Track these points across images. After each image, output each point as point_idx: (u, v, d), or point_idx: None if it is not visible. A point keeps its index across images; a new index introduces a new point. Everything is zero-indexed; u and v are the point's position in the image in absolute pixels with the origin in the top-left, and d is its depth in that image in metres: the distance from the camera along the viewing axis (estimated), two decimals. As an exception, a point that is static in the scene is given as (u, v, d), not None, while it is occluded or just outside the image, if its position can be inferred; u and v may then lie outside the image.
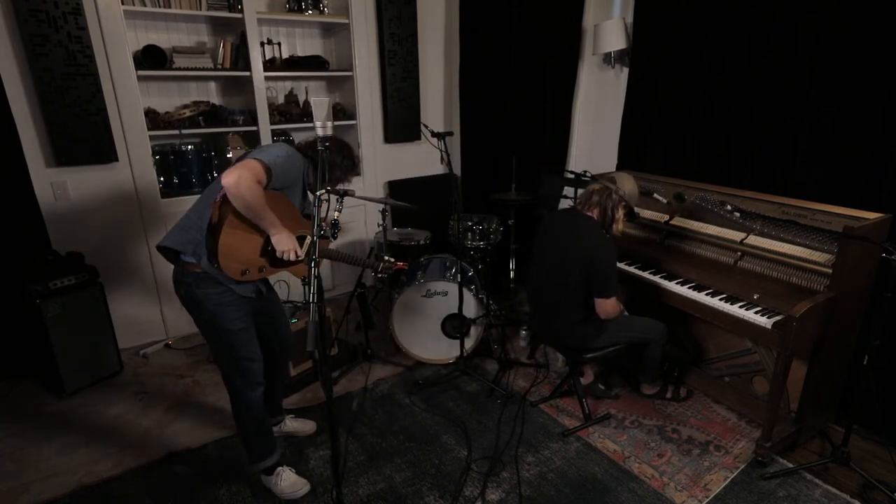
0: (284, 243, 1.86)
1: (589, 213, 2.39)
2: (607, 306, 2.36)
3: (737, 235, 2.49)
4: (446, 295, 2.95)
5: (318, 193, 1.48)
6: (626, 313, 2.59)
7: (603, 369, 2.93)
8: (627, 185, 2.38)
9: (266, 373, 2.07)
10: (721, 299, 2.36)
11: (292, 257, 1.88)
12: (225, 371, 2.01)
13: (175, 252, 1.85)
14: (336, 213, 1.58)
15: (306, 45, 3.85)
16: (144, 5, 3.09)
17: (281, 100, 3.80)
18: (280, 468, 2.14)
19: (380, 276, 2.58)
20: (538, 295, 2.59)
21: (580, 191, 3.21)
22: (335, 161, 2.02)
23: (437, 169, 4.29)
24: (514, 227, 3.47)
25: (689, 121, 2.91)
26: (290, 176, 1.89)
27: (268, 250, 1.89)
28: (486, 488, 2.18)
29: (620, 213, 2.38)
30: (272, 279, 2.14)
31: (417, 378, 2.97)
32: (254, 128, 3.47)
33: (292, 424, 2.48)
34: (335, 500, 1.62)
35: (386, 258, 2.56)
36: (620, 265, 2.74)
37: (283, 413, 2.48)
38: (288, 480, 2.12)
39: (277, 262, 1.93)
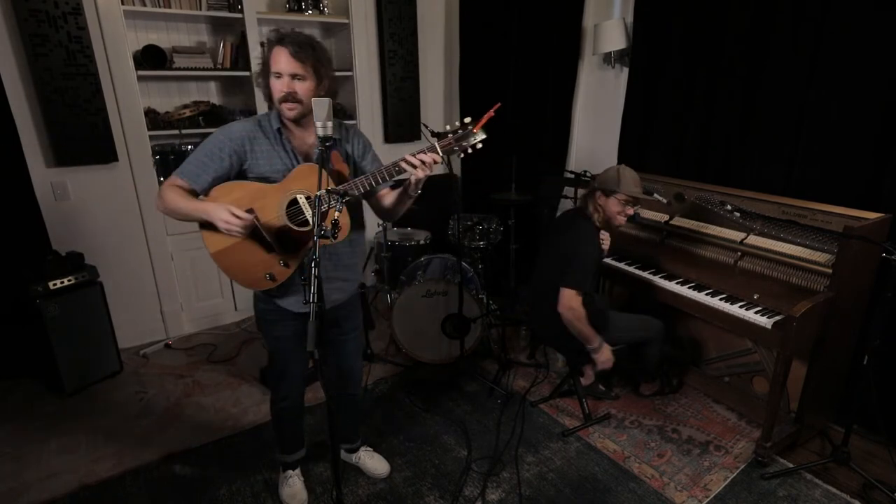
0: (213, 216, 1.56)
1: (587, 215, 2.40)
2: (562, 297, 2.28)
3: (737, 235, 2.49)
4: (446, 295, 2.95)
5: (317, 194, 1.48)
6: (611, 314, 2.54)
7: (603, 370, 2.92)
8: (603, 175, 2.38)
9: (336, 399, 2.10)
10: (721, 299, 2.36)
11: (232, 225, 1.55)
12: (269, 369, 2.04)
13: None
14: (337, 214, 1.58)
15: (306, 45, 3.84)
16: (144, 5, 3.09)
17: (281, 100, 3.79)
18: (292, 472, 2.14)
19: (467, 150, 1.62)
20: (537, 295, 2.59)
21: (580, 191, 3.22)
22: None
23: (437, 169, 4.27)
24: (514, 227, 3.47)
25: (689, 121, 2.90)
26: (215, 150, 1.64)
27: (266, 241, 1.67)
28: (486, 488, 2.18)
29: (604, 200, 2.34)
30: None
31: (417, 378, 2.97)
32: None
33: (364, 459, 2.27)
34: (335, 500, 1.62)
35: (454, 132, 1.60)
36: (620, 265, 2.74)
37: (356, 442, 2.28)
38: (291, 488, 2.11)
39: (287, 247, 1.68)
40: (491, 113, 1.57)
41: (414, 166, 1.58)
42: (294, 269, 1.73)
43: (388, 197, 1.86)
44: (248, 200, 1.65)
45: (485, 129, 1.59)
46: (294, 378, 1.97)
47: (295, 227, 1.68)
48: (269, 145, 1.69)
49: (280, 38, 1.61)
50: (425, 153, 1.57)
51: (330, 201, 1.54)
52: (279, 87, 1.62)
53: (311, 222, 1.65)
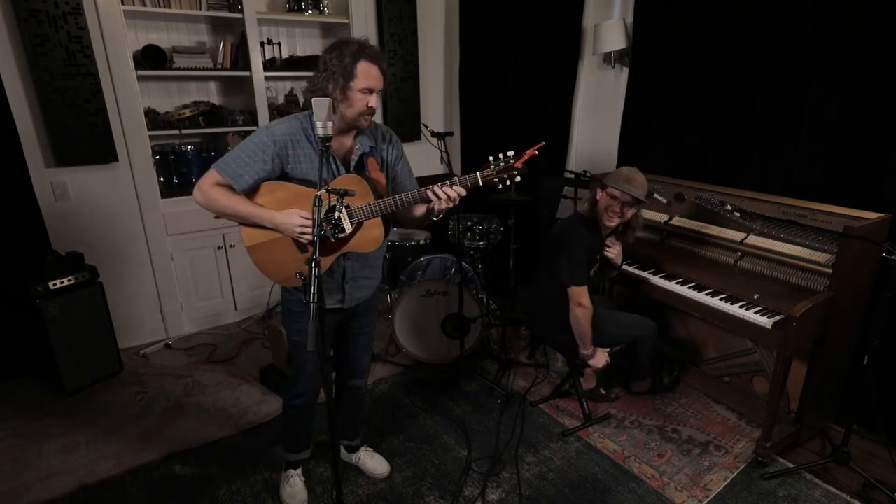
0: (285, 224, 1.65)
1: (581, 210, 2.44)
2: (570, 297, 2.33)
3: (737, 235, 2.49)
4: (446, 295, 2.95)
5: (317, 193, 1.48)
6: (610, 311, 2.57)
7: (603, 372, 2.92)
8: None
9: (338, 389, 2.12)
10: (721, 299, 2.36)
11: (299, 230, 1.64)
12: (289, 364, 2.05)
13: None
14: (337, 214, 1.57)
15: (306, 45, 3.85)
16: (144, 5, 3.09)
17: (281, 100, 3.79)
18: (293, 471, 2.14)
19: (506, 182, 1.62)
20: (537, 295, 2.59)
21: (580, 191, 3.22)
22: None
23: (437, 169, 4.28)
24: (514, 227, 3.47)
25: (689, 121, 2.91)
26: (258, 151, 1.66)
27: (301, 242, 1.73)
28: (486, 488, 2.18)
29: (599, 195, 2.35)
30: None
31: (417, 378, 2.97)
32: (254, 128, 3.46)
33: (364, 459, 2.28)
34: (335, 500, 1.62)
35: (498, 163, 1.60)
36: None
37: (355, 440, 2.29)
38: (292, 488, 2.11)
39: (321, 249, 1.65)
40: (534, 151, 1.59)
41: (439, 198, 1.62)
42: (324, 270, 1.76)
43: (414, 211, 1.86)
44: (287, 202, 1.70)
45: (526, 161, 1.61)
46: (313, 374, 1.97)
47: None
48: (312, 149, 1.72)
49: (370, 55, 1.62)
50: (451, 188, 1.61)
51: (339, 203, 1.55)
52: (367, 101, 1.64)
53: (347, 229, 1.68)
